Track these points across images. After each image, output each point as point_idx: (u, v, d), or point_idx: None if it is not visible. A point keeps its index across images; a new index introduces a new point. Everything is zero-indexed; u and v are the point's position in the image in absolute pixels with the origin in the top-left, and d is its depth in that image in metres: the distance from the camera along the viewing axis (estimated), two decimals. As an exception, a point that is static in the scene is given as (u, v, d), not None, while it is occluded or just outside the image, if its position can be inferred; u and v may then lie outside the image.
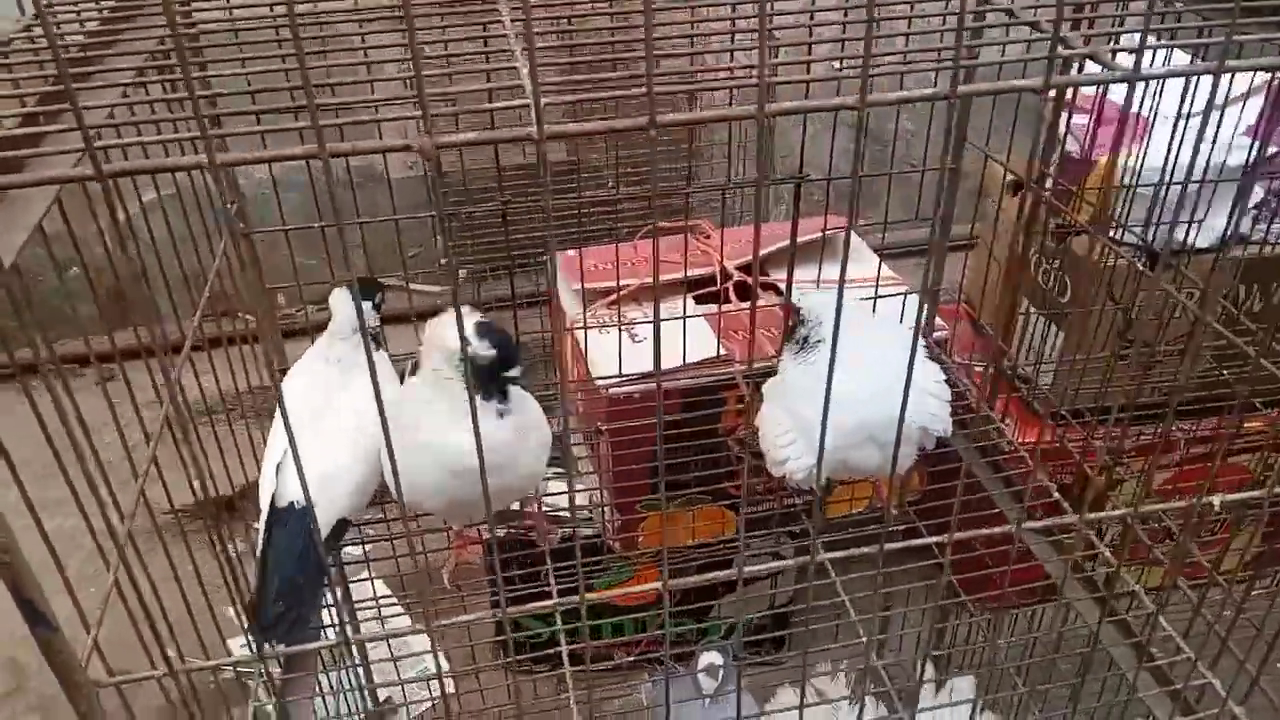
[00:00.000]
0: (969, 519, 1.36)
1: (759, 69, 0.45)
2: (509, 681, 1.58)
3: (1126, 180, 1.47)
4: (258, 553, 0.99)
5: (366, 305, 1.06)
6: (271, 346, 1.22)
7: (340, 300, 1.06)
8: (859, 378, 0.97)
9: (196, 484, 0.94)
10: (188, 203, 1.17)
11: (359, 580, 1.38)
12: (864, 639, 1.08)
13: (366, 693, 1.54)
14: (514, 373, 0.95)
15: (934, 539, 0.67)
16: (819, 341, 1.07)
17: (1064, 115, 1.67)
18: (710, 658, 1.25)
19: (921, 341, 1.11)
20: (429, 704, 1.65)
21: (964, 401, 1.43)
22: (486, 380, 0.94)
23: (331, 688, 1.23)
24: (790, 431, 1.05)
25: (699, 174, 2.33)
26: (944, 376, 1.06)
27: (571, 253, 1.71)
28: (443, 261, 2.31)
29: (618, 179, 2.01)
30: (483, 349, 0.92)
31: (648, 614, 1.73)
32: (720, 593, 1.69)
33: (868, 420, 0.99)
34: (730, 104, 1.90)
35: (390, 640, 1.63)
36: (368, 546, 1.53)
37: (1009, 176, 1.52)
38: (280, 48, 0.70)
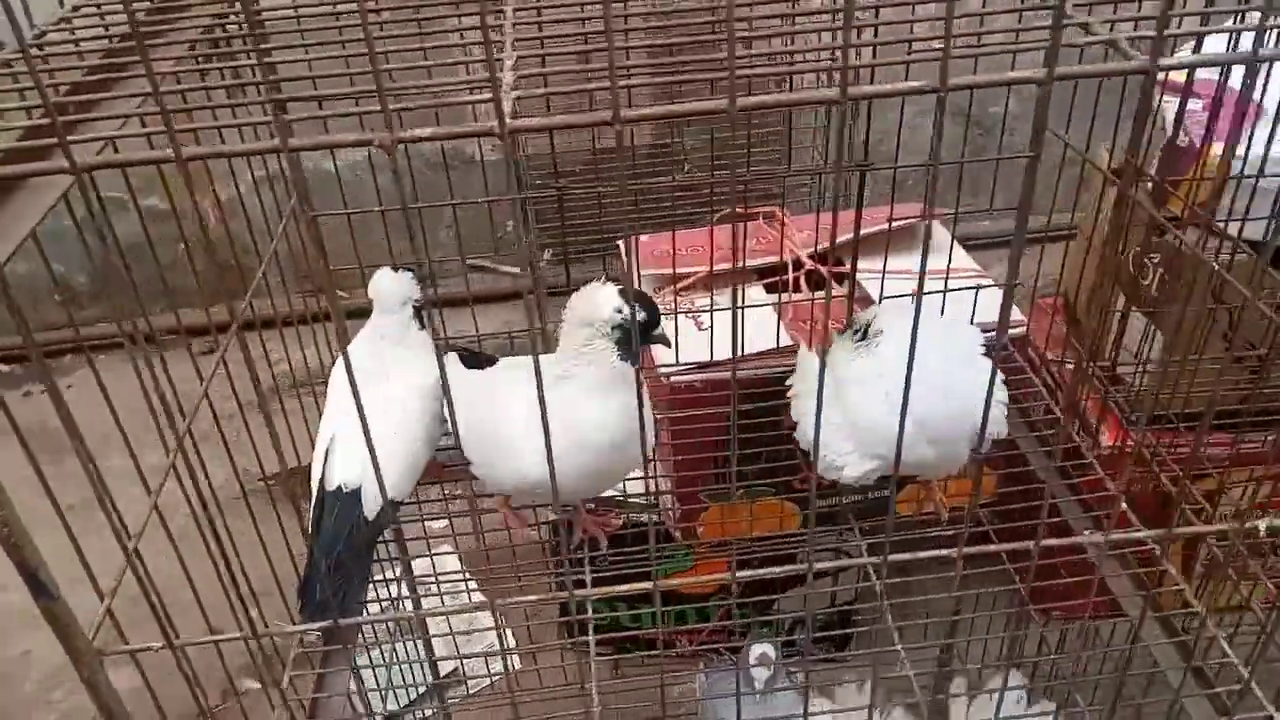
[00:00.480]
0: (1039, 525, 1.30)
1: (728, 60, 0.43)
2: (563, 663, 1.60)
3: (1234, 171, 1.37)
4: (307, 534, 1.02)
5: (408, 277, 1.08)
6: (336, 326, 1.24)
7: (382, 279, 1.08)
8: (916, 374, 0.94)
9: (234, 462, 0.98)
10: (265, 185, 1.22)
11: (420, 556, 1.41)
12: (927, 643, 1.05)
13: (428, 665, 1.57)
14: (660, 331, 1.02)
15: (939, 551, 0.64)
16: (879, 332, 1.04)
17: (1169, 101, 1.57)
18: (763, 648, 1.23)
19: (980, 338, 1.06)
20: (489, 680, 1.68)
21: (1040, 402, 1.36)
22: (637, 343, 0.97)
23: (384, 660, 1.27)
24: (848, 440, 1.03)
25: (790, 159, 2.28)
26: (1000, 376, 1.01)
27: (645, 238, 1.70)
28: (518, 240, 2.33)
29: (676, 164, 1.99)
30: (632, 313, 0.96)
31: (710, 603, 1.72)
32: (779, 587, 1.67)
33: (924, 418, 0.96)
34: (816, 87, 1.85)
35: (453, 616, 1.66)
36: (439, 524, 1.57)
37: (1109, 166, 1.43)
38: (303, 38, 0.71)
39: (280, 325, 1.27)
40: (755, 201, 1.93)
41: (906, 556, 0.64)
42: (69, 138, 0.60)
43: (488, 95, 0.47)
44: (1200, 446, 1.46)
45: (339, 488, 1.02)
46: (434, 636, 1.58)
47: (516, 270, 2.15)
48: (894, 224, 1.26)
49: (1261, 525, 0.61)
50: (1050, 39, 0.43)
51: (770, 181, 2.19)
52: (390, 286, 1.08)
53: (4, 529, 0.50)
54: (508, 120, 0.43)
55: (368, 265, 1.28)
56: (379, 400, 1.06)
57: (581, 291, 1.00)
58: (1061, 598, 1.49)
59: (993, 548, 0.64)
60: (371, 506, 1.03)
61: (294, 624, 1.05)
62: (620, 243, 1.71)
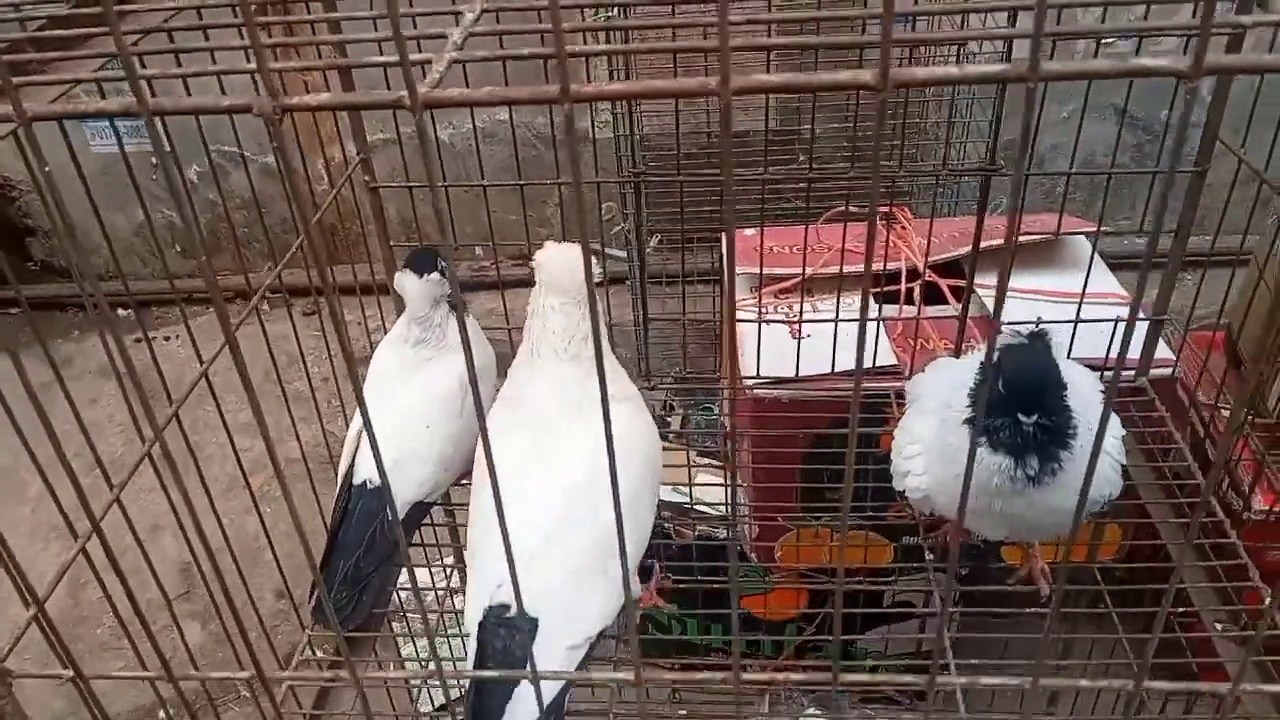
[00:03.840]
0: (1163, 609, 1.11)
1: (721, 33, 0.31)
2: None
3: None
4: (328, 528, 0.95)
5: (434, 279, 0.99)
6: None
7: (406, 283, 0.99)
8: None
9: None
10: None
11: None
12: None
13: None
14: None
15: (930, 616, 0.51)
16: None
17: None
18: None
19: (1099, 386, 0.89)
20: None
21: (1180, 462, 1.17)
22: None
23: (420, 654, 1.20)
24: (918, 444, 0.88)
25: (922, 155, 2.10)
26: (1122, 431, 0.84)
27: (749, 232, 1.57)
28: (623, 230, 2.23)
29: (794, 154, 1.83)
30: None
31: (785, 634, 1.59)
32: (861, 625, 1.52)
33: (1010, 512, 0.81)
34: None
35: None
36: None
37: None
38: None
39: (377, 292, 1.22)
40: (879, 200, 1.77)
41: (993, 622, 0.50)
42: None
43: (423, 56, 0.37)
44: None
45: (364, 482, 0.95)
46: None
47: (621, 254, 2.05)
48: (1022, 238, 1.09)
49: None
50: (1201, 19, 0.29)
51: (899, 177, 2.01)
52: (417, 292, 0.98)
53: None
54: (420, 90, 0.32)
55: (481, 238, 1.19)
56: (414, 395, 0.98)
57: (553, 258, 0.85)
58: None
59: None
60: (399, 506, 0.95)
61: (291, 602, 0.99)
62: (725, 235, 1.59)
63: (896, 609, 1.50)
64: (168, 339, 2.43)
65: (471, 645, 0.76)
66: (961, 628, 1.44)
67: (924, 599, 1.47)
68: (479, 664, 0.74)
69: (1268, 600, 0.87)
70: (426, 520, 1.06)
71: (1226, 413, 1.42)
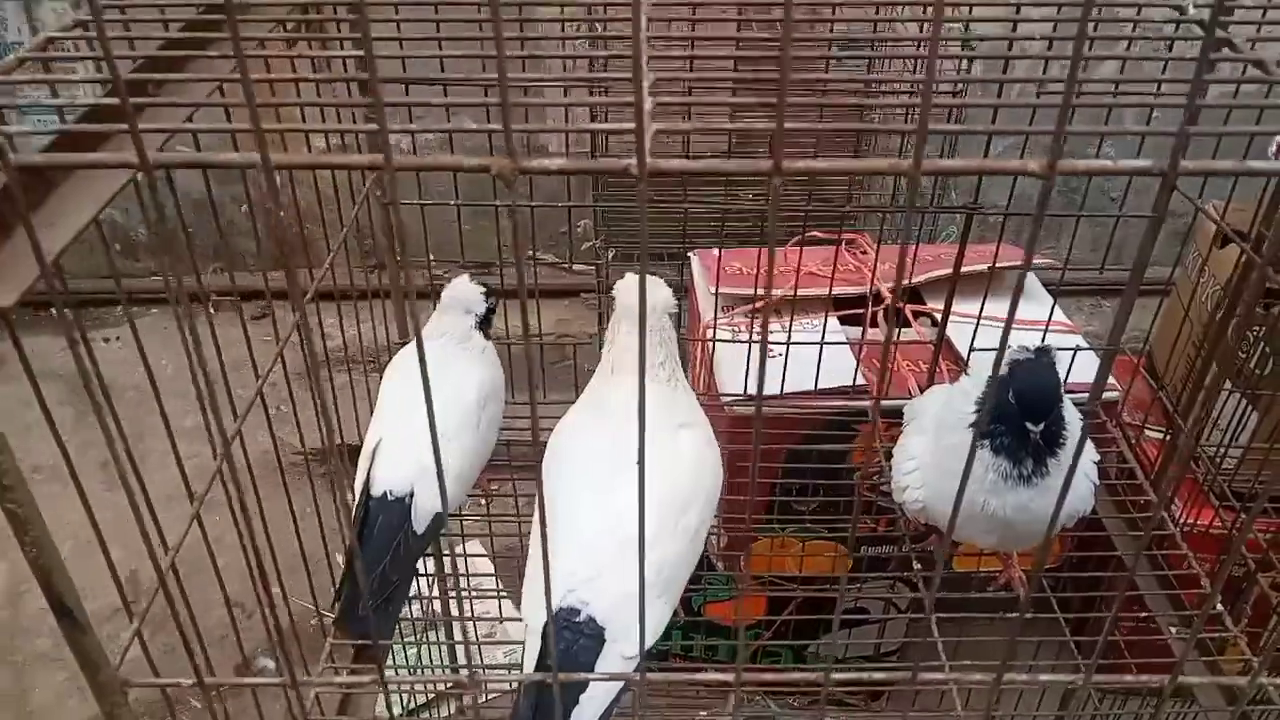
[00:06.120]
0: (1113, 605, 1.21)
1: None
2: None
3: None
4: (348, 540, 0.97)
5: (476, 290, 1.04)
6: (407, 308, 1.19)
7: (456, 284, 1.04)
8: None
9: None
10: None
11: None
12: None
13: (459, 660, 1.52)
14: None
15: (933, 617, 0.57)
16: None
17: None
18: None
19: (1076, 414, 0.98)
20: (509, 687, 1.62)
21: (1126, 471, 1.27)
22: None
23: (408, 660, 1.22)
24: (914, 459, 0.95)
25: (869, 184, 2.20)
26: (1097, 456, 0.93)
27: (715, 252, 1.63)
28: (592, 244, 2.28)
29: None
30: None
31: (746, 640, 1.65)
32: (821, 631, 1.59)
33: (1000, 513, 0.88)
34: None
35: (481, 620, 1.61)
36: (470, 520, 1.51)
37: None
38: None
39: (339, 299, 1.23)
40: (830, 224, 1.85)
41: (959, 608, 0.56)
42: (139, 125, 0.55)
43: (624, 124, 0.41)
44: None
45: (384, 494, 0.96)
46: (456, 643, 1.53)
47: (583, 267, 2.09)
48: (993, 268, 1.17)
49: None
50: (1058, 119, 0.36)
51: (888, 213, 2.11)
52: (455, 293, 1.05)
53: (33, 550, 0.45)
54: (649, 159, 0.37)
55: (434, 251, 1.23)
56: (436, 402, 1.00)
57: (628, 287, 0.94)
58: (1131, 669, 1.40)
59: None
60: (421, 518, 0.97)
61: (317, 611, 1.00)
62: (693, 255, 1.64)
63: (855, 614, 1.58)
64: (106, 340, 2.35)
65: (534, 645, 0.77)
66: (917, 632, 1.52)
67: (883, 606, 1.55)
68: (538, 666, 0.76)
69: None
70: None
71: (1150, 433, 1.55)
